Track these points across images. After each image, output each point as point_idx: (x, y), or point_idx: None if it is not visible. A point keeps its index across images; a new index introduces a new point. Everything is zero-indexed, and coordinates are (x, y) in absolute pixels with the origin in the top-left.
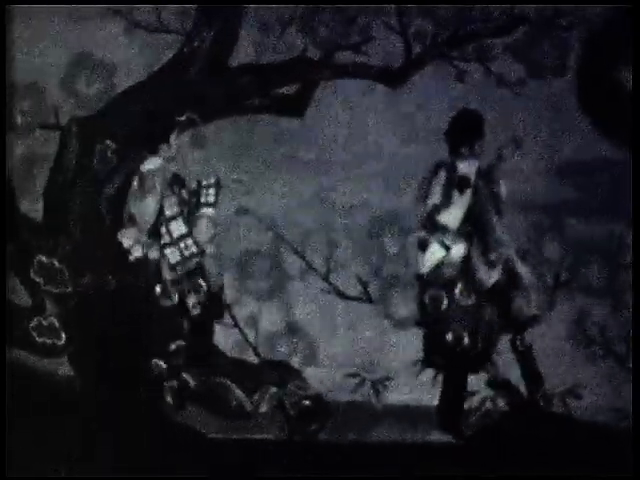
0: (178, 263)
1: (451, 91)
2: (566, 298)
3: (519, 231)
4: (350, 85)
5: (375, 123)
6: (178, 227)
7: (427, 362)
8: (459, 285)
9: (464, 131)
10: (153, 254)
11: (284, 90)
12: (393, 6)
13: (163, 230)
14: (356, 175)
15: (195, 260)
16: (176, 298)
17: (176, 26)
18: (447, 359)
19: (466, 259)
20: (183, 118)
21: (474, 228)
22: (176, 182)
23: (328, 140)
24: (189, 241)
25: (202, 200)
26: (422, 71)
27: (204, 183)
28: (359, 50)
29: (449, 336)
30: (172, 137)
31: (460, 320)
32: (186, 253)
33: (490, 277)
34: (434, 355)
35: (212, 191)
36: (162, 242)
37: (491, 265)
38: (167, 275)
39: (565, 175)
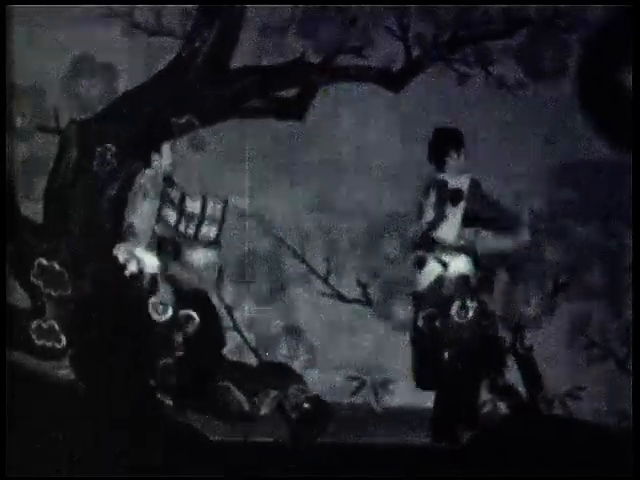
0: (218, 235)
1: (451, 94)
2: (566, 301)
3: None
4: (350, 88)
5: (375, 126)
6: (192, 204)
7: (419, 383)
8: (456, 303)
9: (447, 139)
10: (149, 268)
11: (284, 93)
12: (393, 9)
13: (185, 223)
14: (356, 178)
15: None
16: (170, 311)
17: (176, 28)
18: (440, 378)
19: (465, 277)
20: (183, 121)
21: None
22: (169, 183)
23: (328, 143)
24: (210, 203)
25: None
26: (422, 74)
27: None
28: (359, 53)
29: (445, 355)
30: (165, 146)
31: (456, 339)
32: (217, 215)
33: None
34: (426, 375)
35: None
36: (192, 227)
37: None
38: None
39: (565, 177)
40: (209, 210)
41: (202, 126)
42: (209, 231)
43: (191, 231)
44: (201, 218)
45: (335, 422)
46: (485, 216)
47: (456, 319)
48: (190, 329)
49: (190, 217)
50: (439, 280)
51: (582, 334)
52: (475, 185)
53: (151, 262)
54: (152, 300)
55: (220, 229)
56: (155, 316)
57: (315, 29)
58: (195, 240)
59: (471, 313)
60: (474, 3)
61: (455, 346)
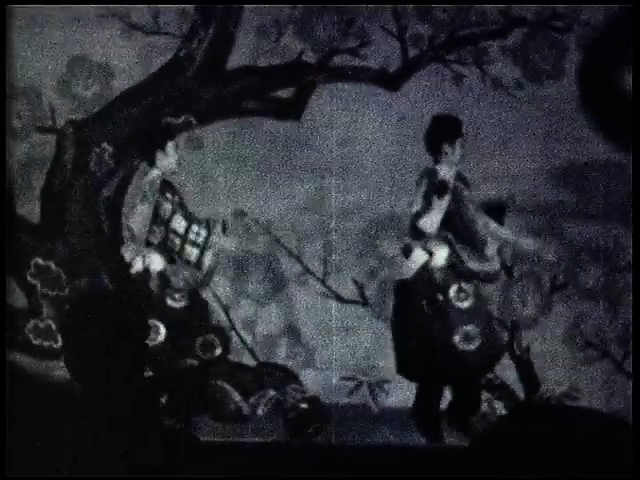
0: (199, 259)
1: (448, 94)
2: (563, 300)
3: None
4: (347, 88)
5: (372, 126)
6: (179, 223)
7: (401, 371)
8: (453, 287)
9: (442, 131)
10: (155, 266)
11: (281, 93)
12: (390, 9)
13: (171, 237)
14: (352, 178)
15: (210, 243)
16: (185, 302)
17: (173, 29)
18: (421, 369)
19: (451, 265)
20: (180, 120)
21: (454, 232)
22: (166, 188)
23: (325, 143)
24: (194, 228)
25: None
26: (419, 74)
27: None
28: (356, 53)
29: (455, 339)
30: (169, 145)
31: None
32: (199, 240)
33: (485, 267)
34: (407, 364)
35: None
36: (175, 250)
37: (486, 259)
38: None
39: (561, 177)
40: (191, 234)
41: (199, 126)
42: (191, 252)
43: (176, 248)
44: (184, 239)
45: (332, 423)
46: (465, 212)
47: (457, 303)
48: None
49: (174, 234)
50: (425, 268)
51: (579, 334)
52: (459, 179)
53: (158, 259)
54: (167, 290)
55: (201, 254)
56: (172, 304)
57: (312, 29)
58: (179, 257)
59: (471, 300)
60: (471, 3)
61: (459, 332)
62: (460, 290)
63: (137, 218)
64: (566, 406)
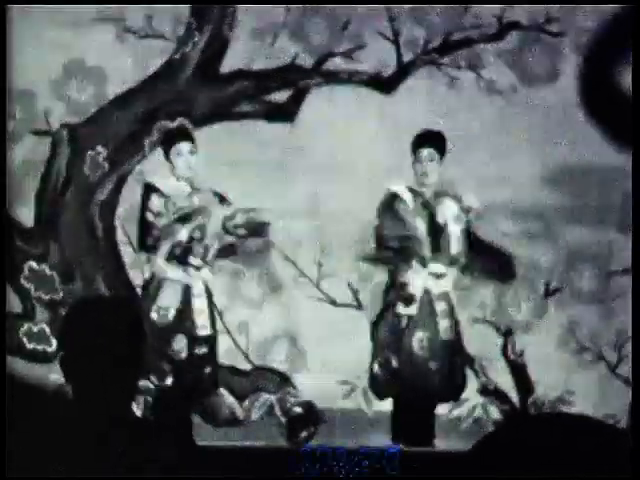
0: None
1: (442, 98)
2: (557, 305)
3: (510, 238)
4: (341, 91)
5: (366, 129)
6: (179, 231)
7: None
8: (390, 311)
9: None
10: (159, 273)
11: (276, 96)
12: (384, 13)
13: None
14: (346, 181)
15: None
16: (171, 315)
17: (167, 32)
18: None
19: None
20: (174, 124)
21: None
22: (152, 191)
23: (319, 146)
24: (191, 228)
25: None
26: (413, 78)
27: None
28: (351, 57)
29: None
30: (173, 150)
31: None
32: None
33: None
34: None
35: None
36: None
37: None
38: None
39: (556, 182)
40: (194, 234)
41: (194, 129)
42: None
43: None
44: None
45: (326, 426)
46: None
47: (389, 327)
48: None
49: (178, 245)
50: (386, 288)
51: (573, 339)
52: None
53: (163, 267)
54: (156, 304)
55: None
56: (155, 317)
57: (307, 33)
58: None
59: (404, 322)
60: (465, 4)
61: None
62: (395, 315)
63: (141, 227)
64: (561, 414)
